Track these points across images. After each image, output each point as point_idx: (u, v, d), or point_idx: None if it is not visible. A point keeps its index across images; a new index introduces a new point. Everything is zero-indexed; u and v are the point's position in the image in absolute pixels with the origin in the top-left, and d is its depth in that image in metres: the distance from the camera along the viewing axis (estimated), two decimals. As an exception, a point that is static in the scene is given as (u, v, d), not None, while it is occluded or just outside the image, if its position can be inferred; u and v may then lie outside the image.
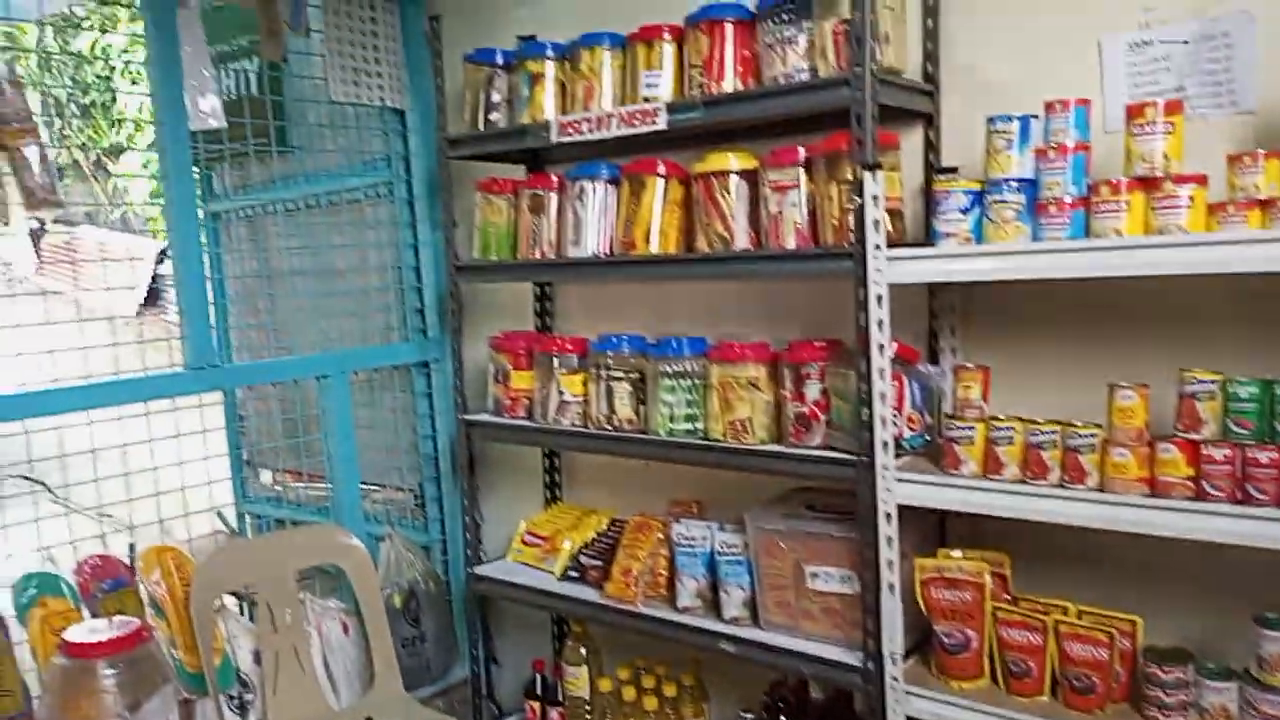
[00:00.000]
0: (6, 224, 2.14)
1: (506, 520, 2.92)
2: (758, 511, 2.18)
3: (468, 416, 2.70)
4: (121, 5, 2.32)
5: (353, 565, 2.52)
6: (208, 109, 2.46)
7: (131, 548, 2.44)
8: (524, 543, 2.74)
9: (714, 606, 2.26)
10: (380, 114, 2.98)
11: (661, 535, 2.39)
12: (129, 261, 7.89)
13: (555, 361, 2.52)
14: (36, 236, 10.95)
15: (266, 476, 3.77)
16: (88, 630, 2.08)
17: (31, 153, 2.09)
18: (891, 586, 1.84)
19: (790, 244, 2.04)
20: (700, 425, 2.23)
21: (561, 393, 2.50)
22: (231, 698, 2.38)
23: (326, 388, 2.74)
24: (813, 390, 2.06)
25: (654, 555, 2.38)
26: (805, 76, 2.03)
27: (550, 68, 2.47)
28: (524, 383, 2.61)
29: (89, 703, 2.05)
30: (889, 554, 1.83)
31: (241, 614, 2.56)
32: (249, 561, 2.46)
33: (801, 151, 2.04)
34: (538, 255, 2.49)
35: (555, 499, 2.92)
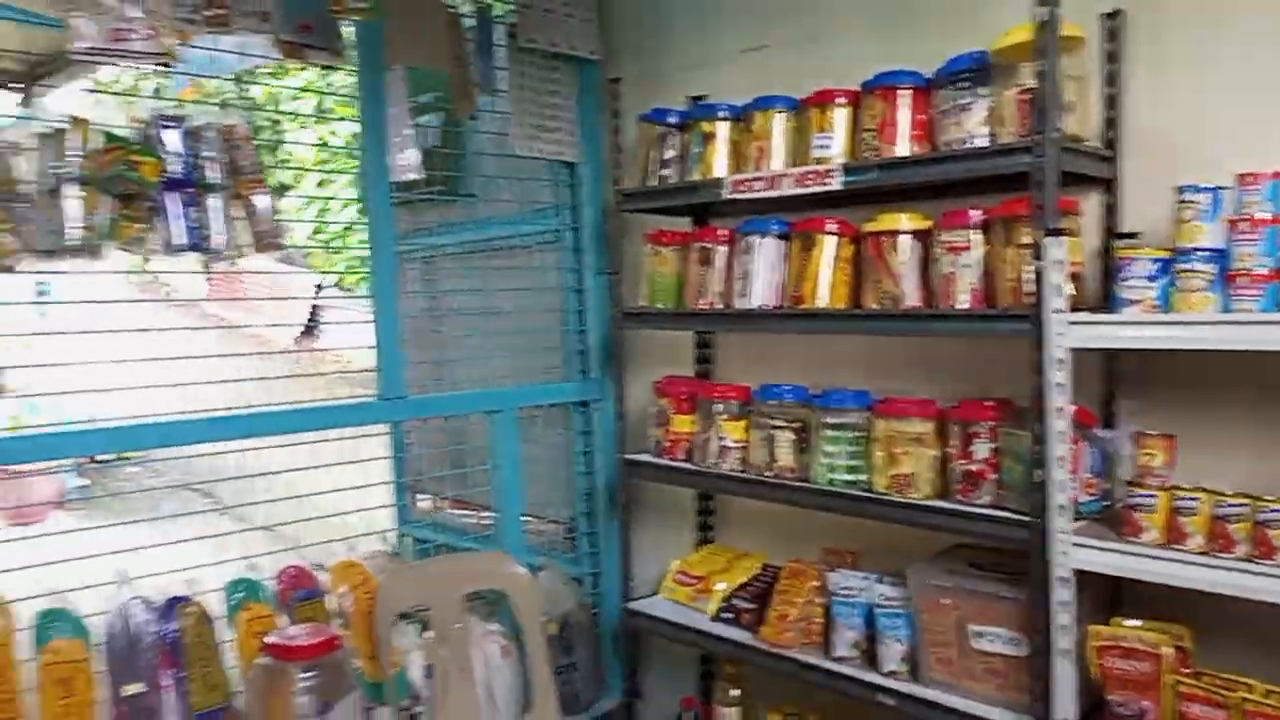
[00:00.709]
0: (234, 263, 2.39)
1: (655, 558, 3.02)
2: (921, 566, 2.21)
3: (628, 456, 2.81)
4: (339, 69, 2.55)
5: (517, 592, 2.66)
6: (407, 162, 2.68)
7: (320, 565, 2.65)
8: (676, 581, 2.82)
9: (871, 658, 2.28)
10: (552, 166, 3.16)
11: (817, 583, 2.43)
12: (287, 292, 8.43)
13: (717, 407, 2.61)
14: (207, 263, 11.88)
15: (425, 502, 3.99)
16: (288, 635, 2.27)
17: (261, 200, 2.33)
18: (1065, 653, 1.84)
19: (963, 304, 2.08)
20: (863, 477, 2.28)
21: (722, 438, 2.59)
22: (402, 709, 2.54)
23: (496, 422, 2.90)
24: (982, 449, 2.08)
25: (809, 602, 2.42)
26: (982, 142, 2.08)
27: (723, 128, 2.60)
28: (685, 426, 2.71)
29: (284, 702, 2.24)
30: (1063, 619, 1.83)
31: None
32: (424, 581, 2.62)
33: (977, 214, 2.09)
34: (704, 305, 2.60)
35: (707, 540, 3.00)
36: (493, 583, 2.69)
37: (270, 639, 2.24)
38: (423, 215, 3.79)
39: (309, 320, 7.87)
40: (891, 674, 2.22)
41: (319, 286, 8.36)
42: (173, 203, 2.18)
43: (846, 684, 2.26)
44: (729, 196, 2.46)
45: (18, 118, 2.08)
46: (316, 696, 2.25)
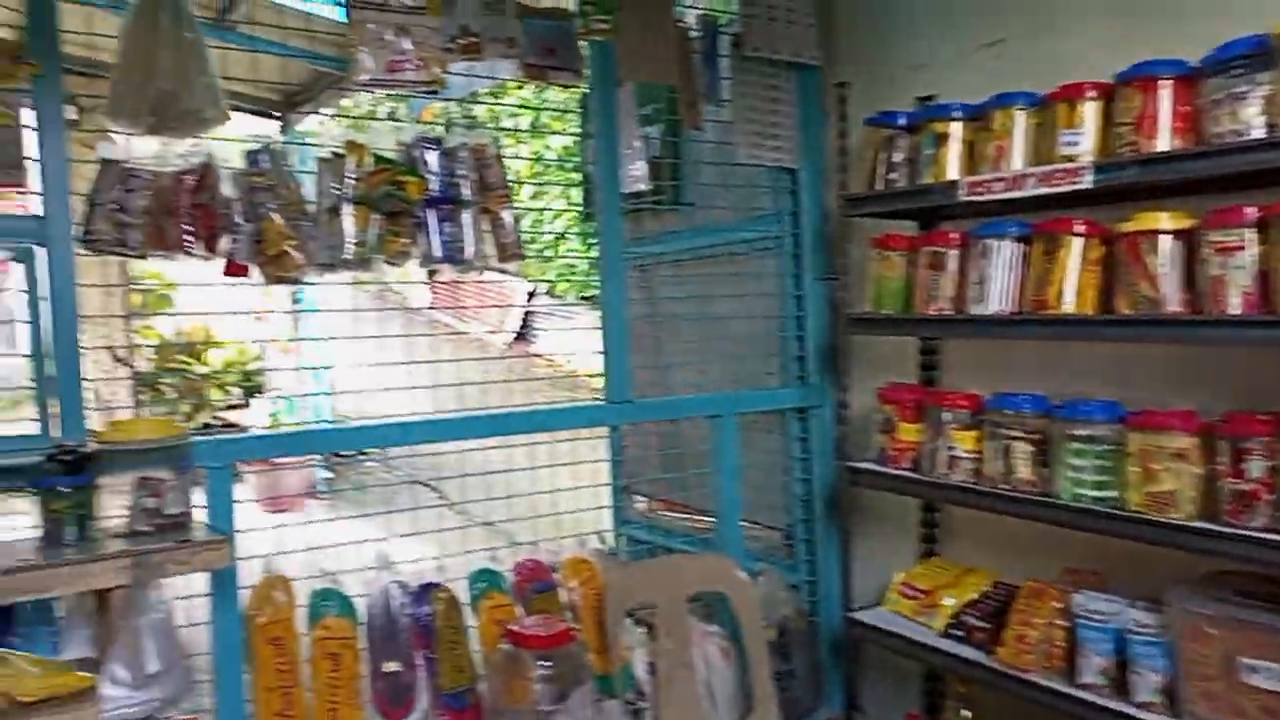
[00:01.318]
0: (481, 273, 2.55)
1: (874, 568, 2.96)
2: (1182, 592, 2.05)
3: (850, 463, 2.78)
4: (575, 88, 2.67)
5: (739, 596, 2.68)
6: (637, 174, 2.77)
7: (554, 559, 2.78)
8: (900, 594, 2.76)
9: (1120, 686, 2.14)
10: (772, 172, 3.17)
11: (1060, 604, 2.31)
12: (502, 298, 8.86)
13: (946, 416, 2.53)
14: (432, 272, 12.71)
15: (641, 503, 4.09)
16: (526, 625, 2.40)
17: (506, 214, 2.48)
18: (1363, 693, 1.66)
19: (1235, 308, 1.92)
20: (1113, 494, 2.14)
21: (952, 448, 2.51)
22: (628, 703, 2.62)
23: (717, 427, 2.94)
24: (1256, 467, 1.91)
25: (1051, 624, 2.30)
26: (1259, 133, 1.91)
27: (956, 128, 2.53)
28: (911, 435, 2.65)
29: (523, 688, 2.37)
30: (1361, 656, 1.65)
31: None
32: (650, 580, 2.69)
33: (1252, 211, 1.92)
34: (934, 310, 2.53)
35: (931, 553, 2.91)
36: (715, 585, 2.73)
37: (512, 627, 2.37)
38: (642, 224, 3.90)
39: (522, 326, 8.26)
40: (1146, 705, 2.07)
41: (531, 293, 8.76)
42: (432, 218, 2.36)
43: (1093, 712, 2.13)
44: (964, 199, 2.38)
45: (300, 143, 2.31)
46: (553, 685, 2.37)
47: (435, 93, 2.21)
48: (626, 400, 2.78)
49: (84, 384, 2.00)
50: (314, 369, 7.00)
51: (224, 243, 2.14)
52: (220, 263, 2.17)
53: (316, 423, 7.36)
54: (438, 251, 2.37)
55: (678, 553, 3.48)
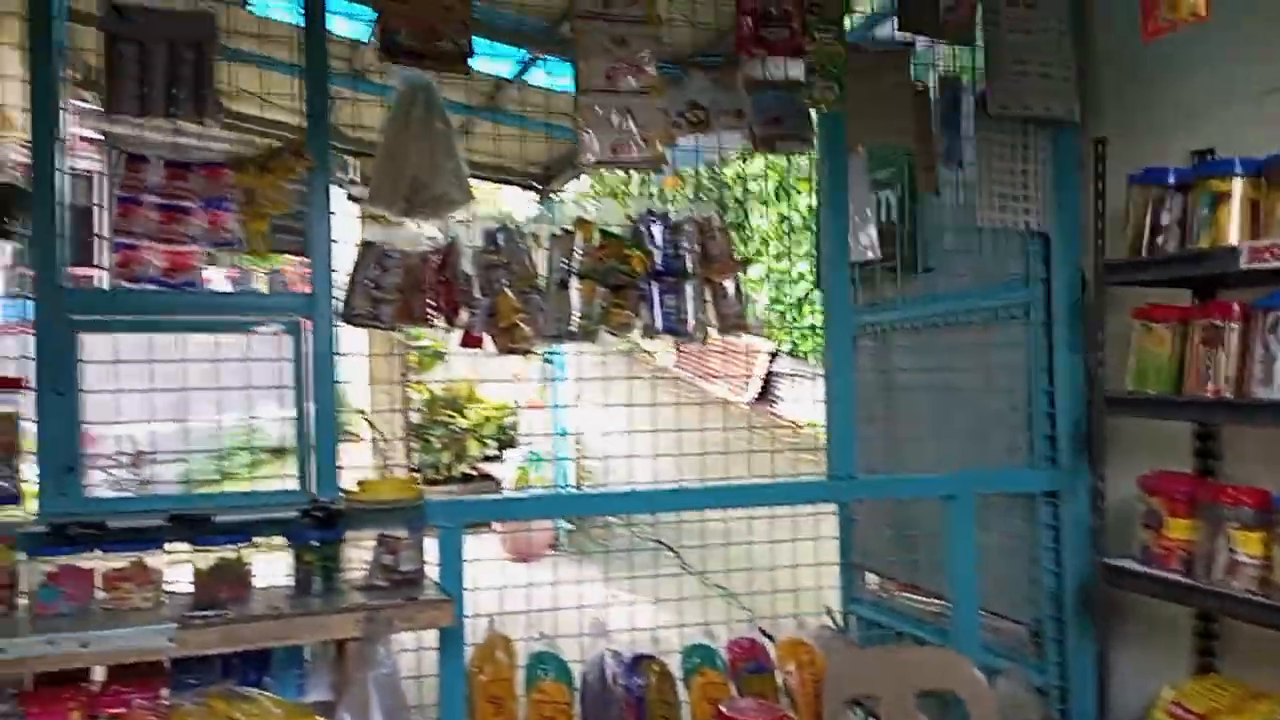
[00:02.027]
0: (704, 342, 2.56)
1: (1136, 677, 2.62)
2: None
3: (1109, 561, 2.49)
4: (801, 155, 2.64)
5: (974, 698, 2.46)
6: (866, 242, 2.68)
7: (767, 635, 2.69)
8: (1169, 714, 2.41)
9: None
10: (1020, 236, 2.96)
11: (1376, 749, 1.92)
12: (746, 358, 8.87)
13: (1227, 513, 2.21)
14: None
15: (872, 580, 3.89)
16: (739, 707, 2.33)
17: (729, 285, 2.48)
18: None
19: None
20: None
21: (1234, 550, 2.18)
22: (847, 802, 2.46)
23: (952, 508, 2.74)
24: None
25: (1363, 773, 1.92)
26: None
27: (1238, 185, 2.24)
28: (1182, 532, 2.33)
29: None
30: None
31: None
32: (873, 670, 2.54)
33: None
34: (1210, 392, 2.23)
35: (1207, 669, 2.53)
36: (945, 683, 2.52)
37: (723, 709, 2.31)
38: (878, 289, 3.77)
39: (764, 387, 8.21)
40: None
41: (774, 354, 8.71)
42: (655, 291, 2.40)
43: None
44: (1247, 266, 2.10)
45: (532, 222, 2.43)
46: (764, 774, 2.27)
47: (660, 170, 2.25)
48: (850, 476, 2.66)
49: (372, 435, 2.18)
50: (559, 432, 7.34)
51: (464, 316, 2.28)
52: (461, 334, 2.32)
53: (552, 487, 7.70)
54: (659, 323, 2.40)
55: (908, 638, 3.26)
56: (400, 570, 2.09)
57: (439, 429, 8.85)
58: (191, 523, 2.02)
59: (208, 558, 2.03)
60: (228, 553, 2.04)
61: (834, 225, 2.66)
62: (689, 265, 2.44)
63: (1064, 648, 2.84)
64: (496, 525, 6.61)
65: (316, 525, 2.08)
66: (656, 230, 2.43)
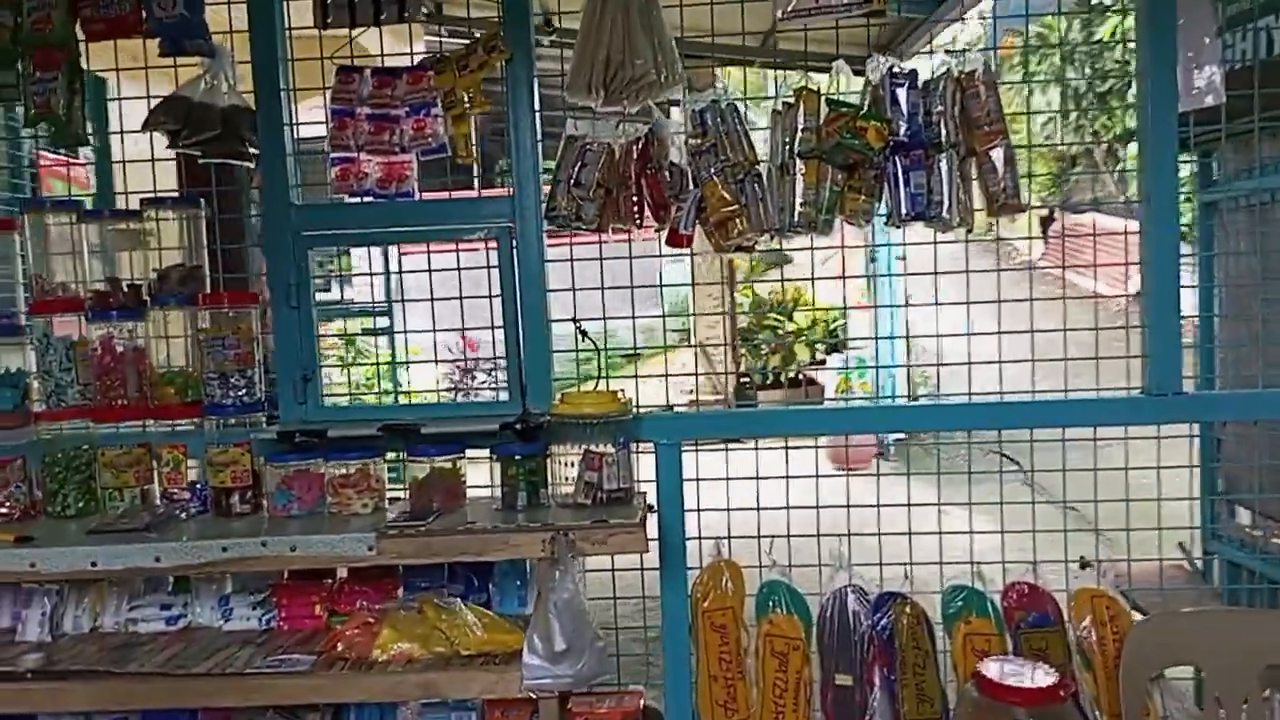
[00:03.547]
0: (970, 230, 2.10)
1: None
2: None
3: None
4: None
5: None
6: (1203, 84, 2.02)
7: (1086, 563, 2.22)
8: None
9: None
10: None
11: None
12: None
13: None
14: (1045, 223, 11.62)
15: (1244, 517, 3.14)
16: (1005, 668, 1.94)
17: (997, 155, 1.99)
18: None
19: None
20: None
21: None
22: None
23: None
24: None
25: None
26: None
27: None
28: None
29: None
30: None
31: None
32: (1196, 637, 2.00)
33: None
34: None
35: None
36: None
37: (984, 668, 1.93)
38: (1253, 150, 2.92)
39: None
40: None
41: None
42: (899, 168, 1.99)
43: None
44: None
45: (747, 97, 2.11)
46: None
47: (880, 14, 1.82)
48: (1174, 393, 2.08)
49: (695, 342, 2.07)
50: (886, 335, 6.87)
51: (674, 212, 2.05)
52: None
53: (873, 395, 7.25)
54: (906, 207, 1.99)
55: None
56: (603, 488, 1.96)
57: (765, 333, 8.72)
58: (402, 433, 2.03)
59: (424, 467, 2.04)
60: (443, 463, 2.05)
61: (1155, 67, 2.04)
62: (945, 134, 1.99)
63: None
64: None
65: (518, 438, 2.01)
66: (901, 94, 2.00)
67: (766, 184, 2.04)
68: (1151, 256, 2.09)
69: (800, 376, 8.14)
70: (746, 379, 8.58)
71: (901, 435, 7.60)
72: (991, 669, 1.93)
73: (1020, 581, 2.15)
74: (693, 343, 8.23)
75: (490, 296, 2.19)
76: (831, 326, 8.19)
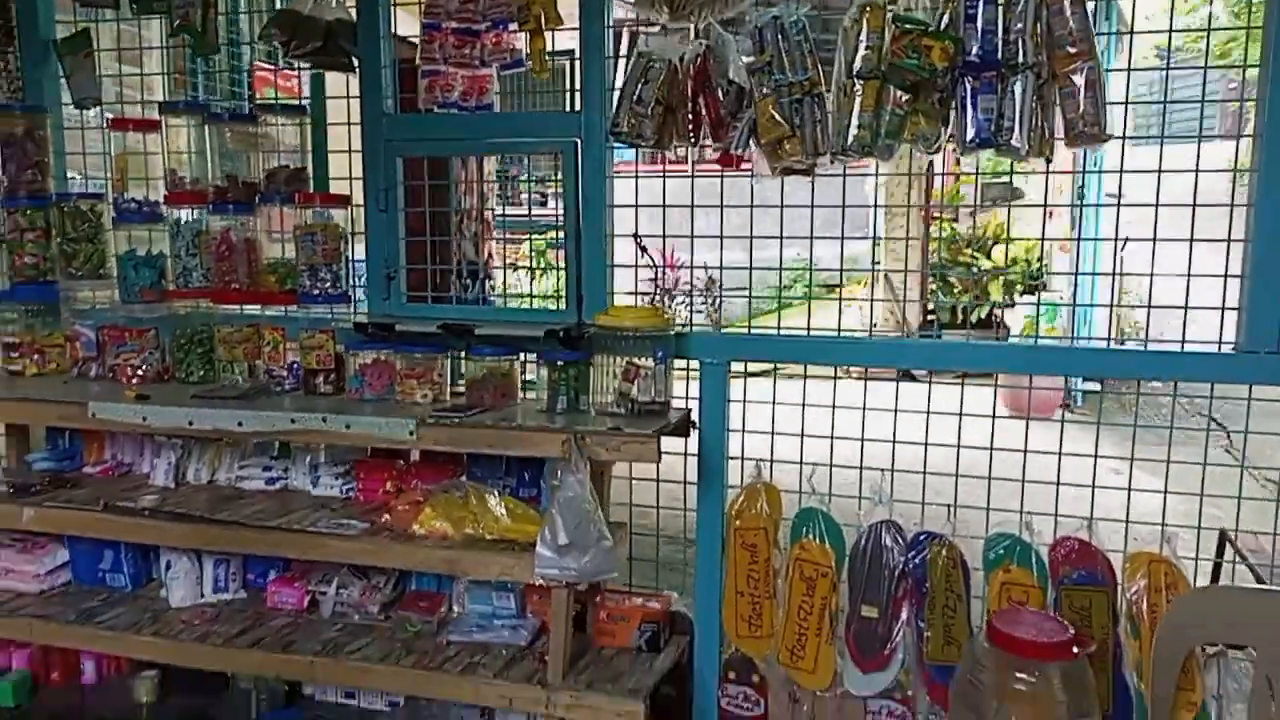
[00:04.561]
0: (1049, 159, 1.94)
1: None
2: None
3: None
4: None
5: None
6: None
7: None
8: None
9: None
10: None
11: None
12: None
13: None
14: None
15: None
16: (1019, 617, 1.87)
17: (1079, 78, 1.82)
18: None
19: None
20: None
21: None
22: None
23: None
24: None
25: None
26: None
27: None
28: None
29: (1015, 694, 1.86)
30: None
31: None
32: (1247, 616, 1.83)
33: None
34: None
35: None
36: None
37: (998, 617, 1.87)
38: None
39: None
40: None
41: None
42: (968, 90, 1.87)
43: None
44: None
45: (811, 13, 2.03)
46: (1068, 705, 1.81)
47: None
48: (1269, 351, 1.87)
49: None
50: (1086, 272, 6.37)
51: (730, 132, 2.04)
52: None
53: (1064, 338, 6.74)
54: (972, 132, 1.88)
55: None
56: (636, 399, 2.03)
57: (960, 269, 8.25)
58: (459, 332, 2.18)
59: (481, 365, 2.19)
60: (497, 363, 2.19)
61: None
62: (1023, 54, 1.84)
63: None
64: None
65: (561, 345, 2.10)
66: (978, 10, 1.86)
67: (829, 106, 1.98)
68: (1261, 193, 1.86)
69: (993, 317, 7.66)
70: (933, 314, 8.22)
71: (1094, 385, 7.08)
72: (1004, 618, 1.87)
73: (1071, 536, 2.04)
74: (879, 268, 7.91)
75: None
76: (1035, 266, 7.62)
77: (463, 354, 2.23)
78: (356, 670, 2.07)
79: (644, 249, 2.20)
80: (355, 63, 2.32)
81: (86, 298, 2.54)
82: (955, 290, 8.56)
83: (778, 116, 1.95)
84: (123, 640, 2.22)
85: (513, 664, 2.07)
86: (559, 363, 2.11)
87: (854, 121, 1.93)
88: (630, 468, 2.27)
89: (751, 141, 2.01)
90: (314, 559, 2.13)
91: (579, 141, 2.19)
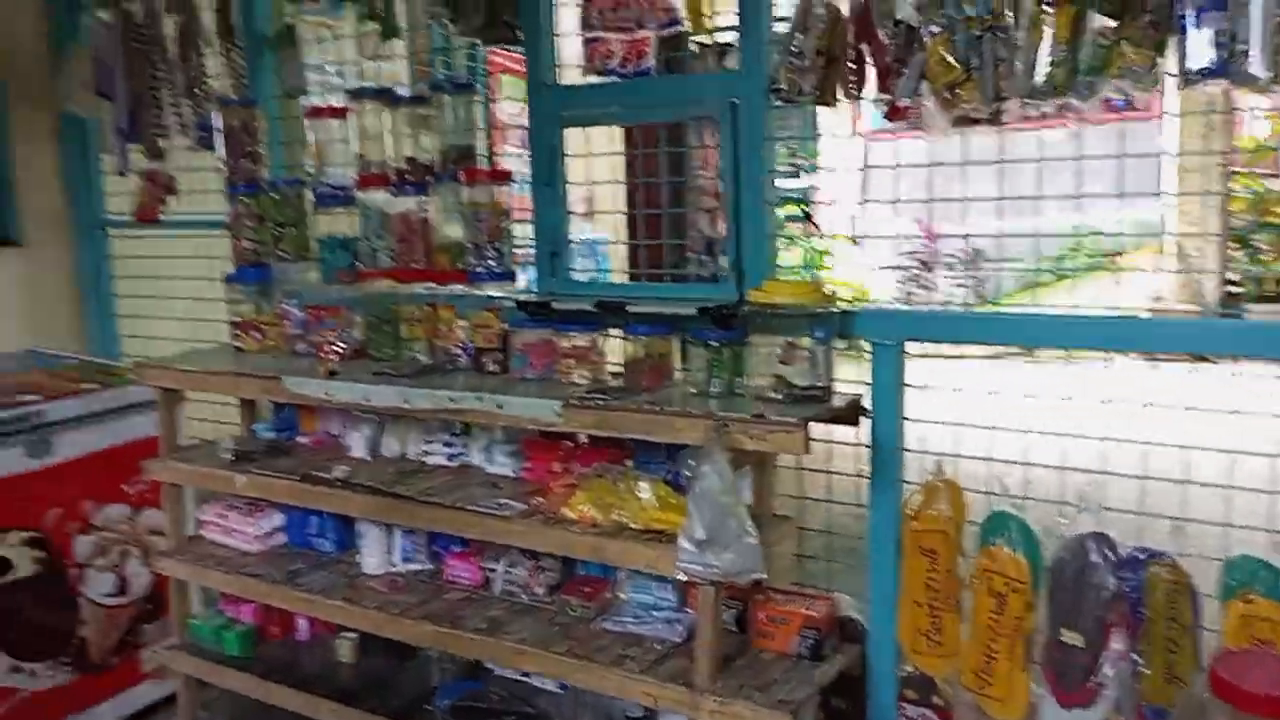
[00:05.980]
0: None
1: None
2: None
3: None
4: None
5: None
6: None
7: None
8: None
9: None
10: None
11: None
12: None
13: None
14: None
15: None
16: (1259, 667, 1.50)
17: None
18: None
19: None
20: None
21: None
22: None
23: None
24: None
25: None
26: None
27: None
28: None
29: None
30: None
31: None
32: None
33: None
34: None
35: None
36: None
37: (1223, 663, 1.52)
38: None
39: None
40: None
41: None
42: (1190, 12, 1.51)
43: None
44: None
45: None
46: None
47: None
48: None
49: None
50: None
51: (897, 79, 1.79)
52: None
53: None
54: (1198, 62, 1.51)
55: None
56: (792, 383, 1.85)
57: (1269, 232, 7.08)
58: (613, 310, 2.09)
59: (639, 345, 2.10)
60: (657, 342, 2.09)
61: None
62: (1274, -44, 1.46)
63: None
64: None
65: (713, 324, 1.96)
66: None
67: (1016, 41, 1.68)
68: None
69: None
70: (1235, 286, 7.15)
71: None
72: (1232, 663, 1.52)
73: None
74: (1170, 234, 6.97)
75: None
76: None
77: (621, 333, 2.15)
78: (511, 651, 2.06)
79: (808, 215, 2.00)
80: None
81: (298, 279, 2.73)
82: (1262, 258, 7.37)
83: (950, 58, 1.68)
84: (315, 603, 2.36)
85: (664, 660, 1.97)
86: (713, 343, 1.97)
87: (1045, 57, 1.62)
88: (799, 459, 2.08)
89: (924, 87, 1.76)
90: (472, 536, 2.15)
91: (734, 102, 2.02)
